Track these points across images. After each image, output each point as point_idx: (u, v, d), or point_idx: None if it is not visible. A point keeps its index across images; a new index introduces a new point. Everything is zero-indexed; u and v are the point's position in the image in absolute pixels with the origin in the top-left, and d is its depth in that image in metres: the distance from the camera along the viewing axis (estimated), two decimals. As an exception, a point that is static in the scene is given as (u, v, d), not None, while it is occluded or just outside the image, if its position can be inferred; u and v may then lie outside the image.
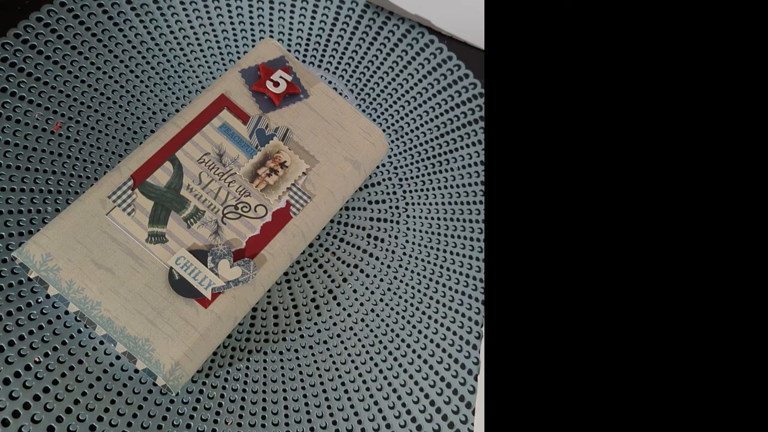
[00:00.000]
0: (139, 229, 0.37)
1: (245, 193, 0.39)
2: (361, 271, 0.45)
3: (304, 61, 0.49)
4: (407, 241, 0.46)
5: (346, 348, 0.43)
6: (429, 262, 0.46)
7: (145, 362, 0.34)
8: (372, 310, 0.44)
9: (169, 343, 0.35)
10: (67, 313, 0.39)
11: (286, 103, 0.42)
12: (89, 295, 0.34)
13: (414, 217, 0.47)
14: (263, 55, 0.43)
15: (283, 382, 0.41)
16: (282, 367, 0.41)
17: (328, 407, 0.41)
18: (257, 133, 0.40)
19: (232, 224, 0.38)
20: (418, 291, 0.45)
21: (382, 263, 0.45)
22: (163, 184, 0.38)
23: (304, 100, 0.42)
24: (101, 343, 0.39)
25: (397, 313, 0.44)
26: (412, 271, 0.45)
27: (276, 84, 0.42)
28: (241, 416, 0.40)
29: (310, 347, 0.42)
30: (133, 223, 0.37)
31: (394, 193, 0.47)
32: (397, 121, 0.49)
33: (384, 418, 0.41)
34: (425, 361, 0.43)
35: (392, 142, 0.49)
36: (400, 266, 0.45)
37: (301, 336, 0.42)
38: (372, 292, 0.44)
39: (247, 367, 0.41)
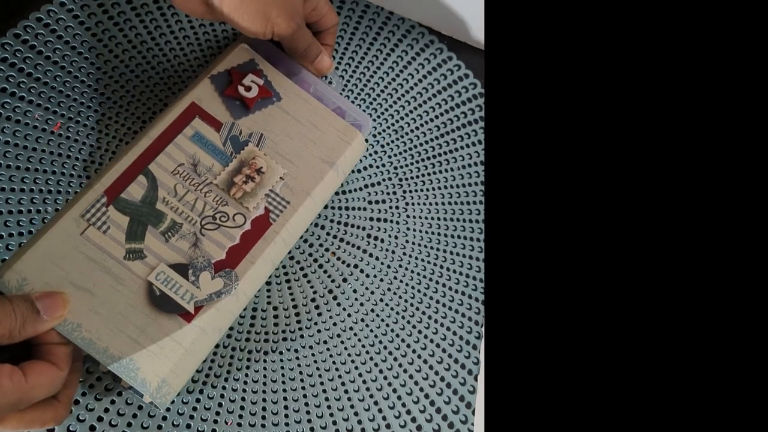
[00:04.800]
0: (117, 247, 0.36)
1: (222, 203, 0.38)
2: (361, 271, 0.45)
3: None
4: (407, 241, 0.46)
5: (346, 348, 0.43)
6: (429, 262, 0.46)
7: (131, 381, 0.34)
8: (372, 310, 0.44)
9: (154, 360, 0.34)
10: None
11: (259, 108, 0.41)
12: (69, 318, 0.34)
13: (414, 217, 0.47)
14: (233, 60, 0.42)
15: (283, 382, 0.41)
16: (282, 367, 0.41)
17: (328, 407, 0.41)
18: (231, 139, 0.40)
19: (210, 235, 0.37)
20: (418, 291, 0.45)
21: (382, 263, 0.45)
22: (138, 198, 0.37)
23: (277, 103, 0.41)
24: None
25: (397, 313, 0.44)
26: (412, 271, 0.45)
27: (248, 88, 0.41)
28: (241, 416, 0.40)
29: (310, 347, 0.42)
30: (110, 241, 0.36)
31: (394, 193, 0.47)
32: (397, 121, 0.49)
33: (384, 418, 0.41)
34: (425, 361, 0.43)
35: (392, 141, 0.49)
36: (400, 266, 0.45)
37: (301, 336, 0.42)
38: (372, 292, 0.44)
39: (247, 367, 0.41)
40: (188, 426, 0.39)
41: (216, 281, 0.36)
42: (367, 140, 0.48)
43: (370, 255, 0.45)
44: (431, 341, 0.44)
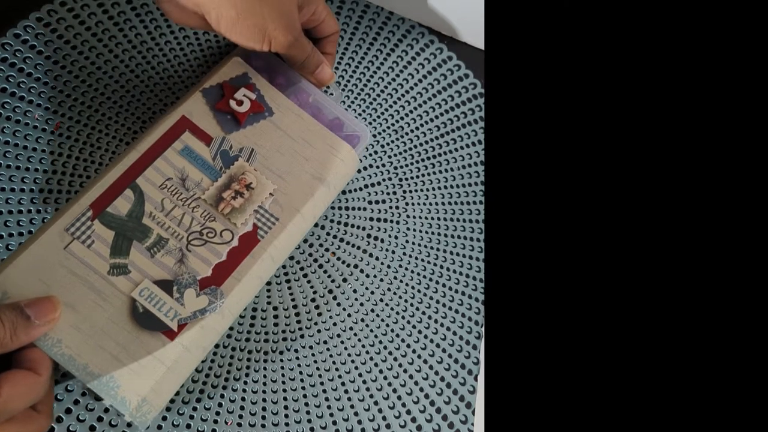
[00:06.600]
0: (100, 262, 0.35)
1: (210, 218, 0.38)
2: (361, 271, 0.45)
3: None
4: (407, 241, 0.46)
5: (346, 348, 0.43)
6: (429, 262, 0.46)
7: (110, 400, 0.33)
8: (372, 310, 0.44)
9: (135, 378, 0.33)
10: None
11: (251, 122, 0.40)
12: (50, 333, 0.33)
13: (414, 217, 0.47)
14: (226, 73, 0.41)
15: (283, 382, 0.41)
16: (282, 367, 0.41)
17: (328, 407, 0.41)
18: (221, 154, 0.39)
19: (197, 251, 0.37)
20: (418, 291, 0.45)
21: (382, 263, 0.45)
22: (124, 212, 0.36)
23: (269, 118, 0.41)
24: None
25: (397, 313, 0.44)
26: (412, 271, 0.45)
27: (239, 103, 0.40)
28: (241, 416, 0.40)
29: (310, 347, 0.42)
30: (94, 256, 0.35)
31: (394, 193, 0.47)
32: (397, 121, 0.49)
33: (384, 418, 0.41)
34: (425, 361, 0.43)
35: (392, 141, 0.49)
36: (400, 266, 0.45)
37: (301, 336, 0.42)
38: (372, 292, 0.44)
39: (247, 367, 0.41)
40: (188, 426, 0.39)
41: (201, 299, 0.36)
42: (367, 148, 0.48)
43: (370, 255, 0.45)
44: (431, 341, 0.44)
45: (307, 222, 0.41)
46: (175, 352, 0.35)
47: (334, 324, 0.43)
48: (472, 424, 0.42)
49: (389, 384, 0.42)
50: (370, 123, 0.49)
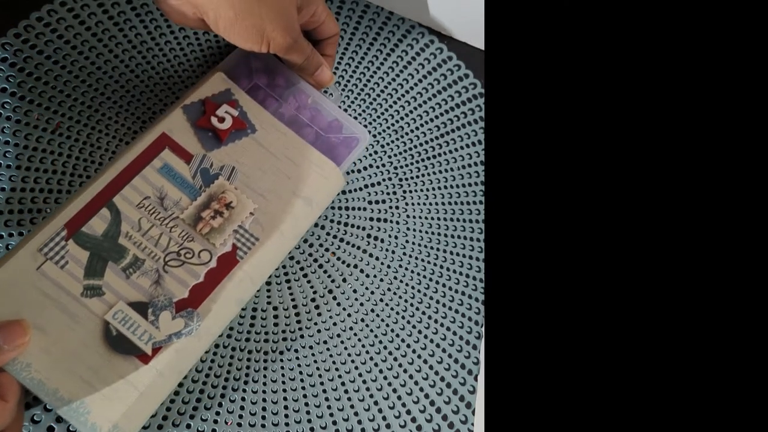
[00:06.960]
0: (74, 283, 0.34)
1: (188, 238, 0.37)
2: (361, 271, 0.45)
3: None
4: (407, 241, 0.46)
5: (346, 348, 0.43)
6: (429, 262, 0.46)
7: (80, 426, 0.32)
8: (372, 310, 0.44)
9: (106, 404, 0.32)
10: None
11: (233, 140, 0.39)
12: (19, 357, 0.32)
13: (414, 217, 0.47)
14: (208, 89, 0.40)
15: (283, 382, 0.41)
16: (282, 367, 0.41)
17: (328, 407, 0.41)
18: (201, 172, 0.38)
19: (174, 272, 0.36)
20: (418, 291, 0.45)
21: (382, 263, 0.45)
22: (100, 232, 0.35)
23: (252, 135, 0.40)
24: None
25: (397, 313, 0.44)
26: (412, 271, 0.45)
27: (221, 119, 0.39)
28: (241, 416, 0.40)
29: (310, 347, 0.42)
30: (67, 277, 0.34)
31: (394, 193, 0.47)
32: (397, 121, 0.49)
33: (384, 418, 0.41)
34: (425, 361, 0.43)
35: (392, 141, 0.49)
36: (400, 266, 0.45)
37: (301, 336, 0.42)
38: (372, 292, 0.44)
39: (247, 367, 0.41)
40: (188, 426, 0.39)
41: (176, 321, 0.35)
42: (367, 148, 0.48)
43: (370, 255, 0.45)
44: (431, 341, 0.44)
45: (289, 242, 0.40)
46: (149, 376, 0.34)
47: (334, 324, 0.43)
48: (472, 424, 0.42)
49: (389, 384, 0.42)
50: (370, 123, 0.49)
